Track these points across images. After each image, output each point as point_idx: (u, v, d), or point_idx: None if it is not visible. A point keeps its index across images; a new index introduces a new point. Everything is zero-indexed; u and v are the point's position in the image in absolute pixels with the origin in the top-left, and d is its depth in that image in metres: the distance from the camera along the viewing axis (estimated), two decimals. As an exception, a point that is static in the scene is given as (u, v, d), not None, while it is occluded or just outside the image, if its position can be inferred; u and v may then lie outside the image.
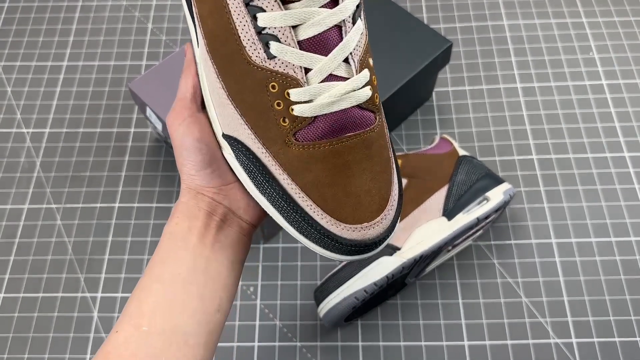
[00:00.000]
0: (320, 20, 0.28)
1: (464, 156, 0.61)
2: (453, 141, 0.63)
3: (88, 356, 0.57)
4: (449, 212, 0.57)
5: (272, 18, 0.28)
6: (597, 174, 0.66)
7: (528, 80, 0.73)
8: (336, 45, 0.29)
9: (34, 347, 0.58)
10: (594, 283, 0.60)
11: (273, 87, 0.29)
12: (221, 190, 0.34)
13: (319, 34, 0.28)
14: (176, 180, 0.67)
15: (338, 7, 0.28)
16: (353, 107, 0.30)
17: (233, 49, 0.30)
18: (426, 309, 0.59)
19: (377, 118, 0.31)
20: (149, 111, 0.62)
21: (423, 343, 0.57)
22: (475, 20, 0.79)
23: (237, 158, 0.33)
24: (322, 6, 0.28)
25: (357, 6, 0.30)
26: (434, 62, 0.64)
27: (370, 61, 0.31)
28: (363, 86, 0.30)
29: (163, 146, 0.70)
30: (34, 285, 0.61)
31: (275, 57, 0.29)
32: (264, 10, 0.28)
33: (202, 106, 0.36)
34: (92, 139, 0.70)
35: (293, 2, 0.28)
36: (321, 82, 0.29)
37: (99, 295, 0.60)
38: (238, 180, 0.34)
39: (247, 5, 0.28)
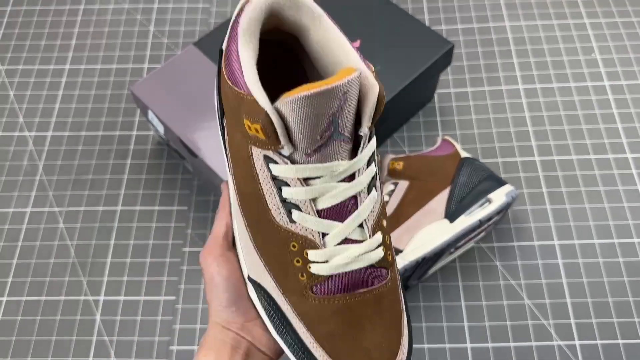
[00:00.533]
0: (337, 193, 0.31)
1: (466, 158, 0.61)
2: (455, 143, 0.63)
3: (90, 359, 0.57)
4: (451, 214, 0.57)
5: (294, 192, 0.30)
6: (599, 175, 0.66)
7: (530, 81, 0.73)
8: (352, 213, 0.31)
9: (37, 350, 0.58)
10: (597, 285, 0.59)
11: (293, 246, 0.32)
12: (245, 326, 0.36)
13: (336, 204, 0.31)
14: (178, 183, 0.67)
15: (354, 181, 0.31)
16: (366, 266, 0.32)
17: (261, 210, 0.32)
18: (429, 311, 0.59)
19: (390, 273, 0.33)
20: (150, 114, 0.62)
21: (426, 345, 0.57)
22: (477, 21, 0.79)
23: (259, 301, 0.35)
24: (340, 181, 0.31)
25: (373, 177, 0.32)
26: (436, 64, 0.64)
27: (384, 222, 0.33)
28: (376, 248, 0.32)
29: (165, 149, 0.70)
30: (37, 289, 0.61)
31: (296, 222, 0.31)
32: (288, 185, 0.30)
33: (233, 243, 0.38)
34: (94, 142, 0.71)
35: (314, 179, 0.30)
36: (337, 244, 0.31)
37: (102, 298, 0.60)
38: (260, 316, 0.36)
39: (273, 179, 0.31)
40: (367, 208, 0.32)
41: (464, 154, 0.61)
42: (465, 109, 0.71)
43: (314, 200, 0.31)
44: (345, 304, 0.32)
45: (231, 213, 0.38)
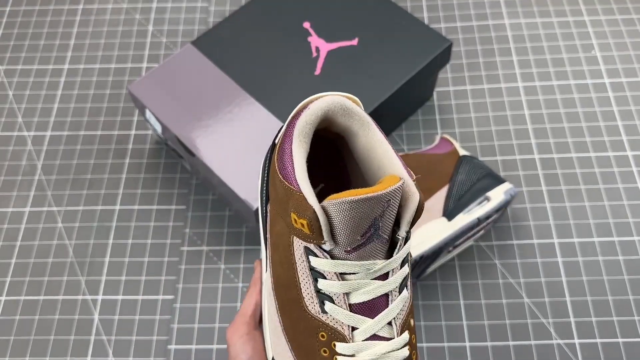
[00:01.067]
0: (370, 290, 0.32)
1: (465, 156, 0.60)
2: (454, 141, 0.63)
3: (89, 359, 0.57)
4: (450, 213, 0.57)
5: (329, 285, 0.32)
6: (599, 173, 0.65)
7: (529, 79, 0.73)
8: (382, 311, 0.33)
9: (35, 349, 0.58)
10: (597, 283, 0.59)
11: (322, 336, 0.33)
12: None
13: (368, 300, 0.32)
14: (176, 183, 0.67)
15: (388, 279, 0.32)
16: None
17: (294, 296, 0.34)
18: (427, 310, 0.59)
19: None
20: (148, 113, 0.62)
21: (424, 344, 0.57)
22: (476, 19, 0.79)
23: None
24: (374, 278, 0.32)
25: (405, 277, 0.33)
26: (434, 62, 0.64)
27: (412, 322, 0.35)
28: (402, 347, 0.33)
29: (163, 148, 0.70)
30: (35, 288, 0.61)
31: (327, 313, 0.32)
32: (325, 278, 0.32)
33: (260, 322, 0.40)
34: (93, 141, 0.70)
35: (350, 274, 0.32)
36: (365, 340, 0.32)
37: (100, 297, 0.60)
38: None
39: (311, 270, 0.32)
40: (397, 307, 0.33)
41: (462, 152, 0.61)
42: (465, 107, 0.71)
43: (347, 294, 0.32)
44: None
45: (261, 292, 0.39)
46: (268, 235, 0.36)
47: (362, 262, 0.31)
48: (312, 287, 0.33)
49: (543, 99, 0.71)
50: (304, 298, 0.33)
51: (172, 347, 0.58)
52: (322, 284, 0.32)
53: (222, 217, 0.65)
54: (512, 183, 0.65)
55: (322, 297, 0.32)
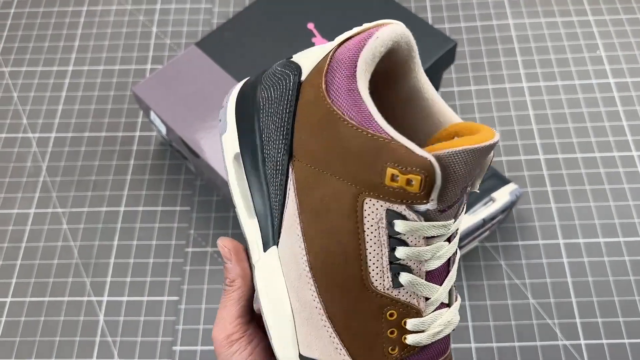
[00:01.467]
0: (443, 254, 0.29)
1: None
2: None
3: (94, 359, 0.57)
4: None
5: (413, 253, 0.28)
6: (604, 173, 0.65)
7: (534, 79, 0.73)
8: (447, 276, 0.30)
9: (41, 351, 0.58)
10: (603, 284, 0.59)
11: (391, 315, 0.29)
12: None
13: (439, 266, 0.29)
14: (181, 184, 0.67)
15: (453, 241, 0.29)
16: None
17: (352, 273, 0.28)
18: (432, 311, 0.58)
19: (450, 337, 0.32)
20: (153, 115, 0.62)
21: (429, 345, 0.57)
22: (481, 19, 0.79)
23: None
24: (444, 241, 0.29)
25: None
26: (438, 62, 0.64)
27: None
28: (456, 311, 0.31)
29: (168, 149, 0.70)
30: (41, 290, 0.61)
31: (401, 286, 0.28)
32: (407, 245, 0.28)
33: (251, 317, 0.34)
34: (97, 143, 0.71)
35: (434, 237, 0.28)
36: (434, 310, 0.29)
37: (105, 298, 0.61)
38: None
39: (390, 237, 0.28)
40: (455, 270, 0.30)
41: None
42: (469, 107, 0.71)
43: (425, 261, 0.28)
44: None
45: (249, 283, 0.34)
46: (293, 203, 0.30)
47: (446, 223, 0.28)
48: (386, 258, 0.28)
49: (548, 99, 0.71)
50: (369, 273, 0.28)
51: (177, 348, 0.58)
52: (402, 252, 0.28)
53: (227, 218, 0.65)
54: (517, 184, 0.65)
55: (398, 269, 0.28)
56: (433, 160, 0.25)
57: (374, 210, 0.27)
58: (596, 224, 0.62)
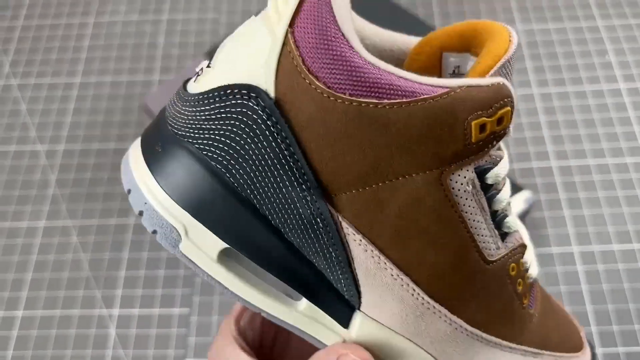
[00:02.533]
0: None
1: (481, 165, 0.60)
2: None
3: (106, 374, 0.57)
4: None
5: (505, 194, 0.24)
6: (617, 180, 0.65)
7: (544, 85, 0.72)
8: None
9: (52, 365, 0.58)
10: (618, 292, 0.58)
11: (512, 268, 0.26)
12: None
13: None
14: (191, 195, 0.67)
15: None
16: None
17: (472, 267, 0.24)
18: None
19: None
20: (162, 126, 0.62)
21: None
22: (489, 26, 0.78)
23: None
24: None
25: None
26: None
27: None
28: None
29: (177, 161, 0.69)
30: (51, 303, 0.61)
31: (507, 234, 0.25)
32: (499, 190, 0.24)
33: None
34: (106, 154, 0.70)
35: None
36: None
37: (116, 311, 0.60)
38: None
39: (485, 190, 0.24)
40: None
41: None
42: (479, 114, 0.71)
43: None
44: (546, 298, 0.28)
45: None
46: (360, 246, 0.23)
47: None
48: (488, 217, 0.24)
49: (558, 106, 0.71)
50: (479, 244, 0.24)
51: (190, 361, 0.57)
52: (499, 200, 0.24)
53: (237, 229, 0.64)
54: (530, 191, 0.64)
55: (501, 218, 0.25)
56: (504, 81, 0.22)
57: (463, 182, 0.23)
58: (610, 231, 0.62)
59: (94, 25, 0.83)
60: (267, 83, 0.21)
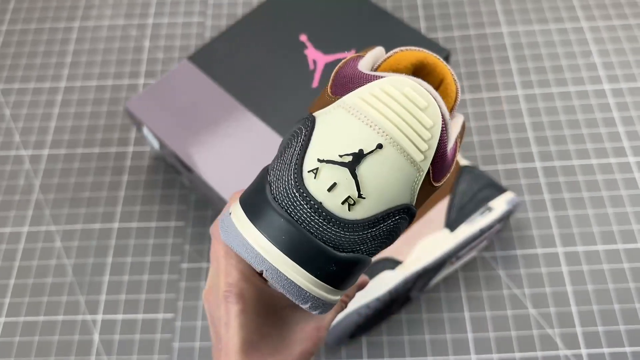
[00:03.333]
0: None
1: (466, 166, 0.60)
2: (454, 151, 0.62)
3: (89, 380, 0.56)
4: (452, 223, 0.56)
5: None
6: (602, 180, 0.65)
7: (529, 87, 0.72)
8: None
9: (35, 372, 0.57)
10: (603, 292, 0.58)
11: None
12: None
13: None
14: (175, 199, 0.67)
15: None
16: None
17: None
18: (432, 323, 0.58)
19: None
20: (145, 130, 0.61)
21: (429, 358, 0.56)
22: (474, 28, 0.78)
23: None
24: None
25: None
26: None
27: None
28: None
29: (162, 165, 0.69)
30: (34, 309, 0.60)
31: None
32: None
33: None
34: (90, 159, 0.70)
35: None
36: None
37: (100, 317, 0.60)
38: None
39: None
40: None
41: (463, 162, 0.60)
42: (464, 116, 0.71)
43: None
44: None
45: None
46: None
47: None
48: None
49: (543, 107, 0.71)
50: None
51: (174, 366, 0.57)
52: None
53: (222, 233, 0.64)
54: (514, 192, 0.64)
55: None
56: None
57: None
58: (594, 231, 0.62)
59: (79, 29, 0.82)
60: (412, 199, 0.28)
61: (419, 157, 0.27)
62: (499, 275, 0.60)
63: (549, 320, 0.57)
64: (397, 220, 0.28)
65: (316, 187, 0.27)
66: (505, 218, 0.58)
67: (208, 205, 0.66)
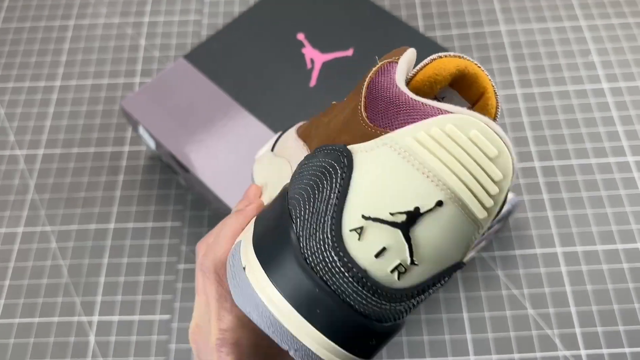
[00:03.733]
0: None
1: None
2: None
3: (85, 382, 0.56)
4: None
5: None
6: (601, 179, 0.65)
7: (527, 86, 0.72)
8: None
9: (30, 374, 0.57)
10: (602, 292, 0.58)
11: None
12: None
13: None
14: (171, 199, 0.66)
15: None
16: None
17: None
18: (430, 324, 0.57)
19: None
20: (141, 129, 0.61)
21: (428, 359, 0.56)
22: (472, 27, 0.78)
23: None
24: None
25: None
26: (431, 71, 0.63)
27: None
28: None
29: (158, 164, 0.69)
30: (30, 310, 0.60)
31: None
32: None
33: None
34: (86, 159, 0.69)
35: None
36: None
37: (96, 318, 0.59)
38: None
39: None
40: None
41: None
42: (462, 115, 0.70)
43: None
44: None
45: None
46: None
47: None
48: None
49: (541, 106, 0.70)
50: None
51: (170, 368, 0.57)
52: None
53: (219, 233, 0.64)
54: (513, 192, 0.64)
55: None
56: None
57: None
58: (593, 231, 0.61)
59: (74, 27, 0.82)
60: (465, 255, 0.24)
61: (482, 214, 0.23)
62: (497, 276, 0.60)
63: (548, 321, 0.57)
64: (446, 281, 0.24)
65: (361, 251, 0.22)
66: (504, 218, 0.57)
67: (205, 205, 0.65)
